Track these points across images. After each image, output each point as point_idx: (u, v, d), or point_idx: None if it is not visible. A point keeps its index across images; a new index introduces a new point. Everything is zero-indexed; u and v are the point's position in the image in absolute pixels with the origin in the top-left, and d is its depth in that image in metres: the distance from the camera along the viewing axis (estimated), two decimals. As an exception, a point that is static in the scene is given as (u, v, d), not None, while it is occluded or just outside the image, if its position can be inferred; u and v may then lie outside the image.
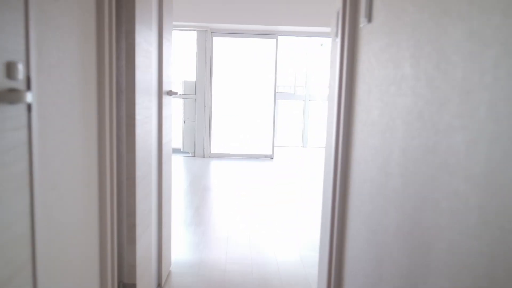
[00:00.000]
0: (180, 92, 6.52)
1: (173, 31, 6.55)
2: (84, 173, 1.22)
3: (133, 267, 1.59)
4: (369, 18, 1.28)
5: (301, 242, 2.94)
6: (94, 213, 1.32)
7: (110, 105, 1.43)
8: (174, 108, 7.26)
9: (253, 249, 2.80)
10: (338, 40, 1.55)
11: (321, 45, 8.02)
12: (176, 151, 6.87)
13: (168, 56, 2.15)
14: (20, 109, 0.82)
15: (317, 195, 4.31)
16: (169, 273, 2.37)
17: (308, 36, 6.41)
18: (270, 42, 6.39)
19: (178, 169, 5.50)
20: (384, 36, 1.15)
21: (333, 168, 1.53)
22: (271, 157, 6.57)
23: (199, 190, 4.35)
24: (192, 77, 6.46)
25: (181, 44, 6.59)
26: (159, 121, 2.04)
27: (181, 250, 2.72)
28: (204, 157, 6.47)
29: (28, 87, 0.85)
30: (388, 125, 1.09)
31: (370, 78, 1.25)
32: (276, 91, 6.53)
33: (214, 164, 5.97)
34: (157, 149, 2.03)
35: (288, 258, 2.66)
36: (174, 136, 7.02)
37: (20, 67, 0.79)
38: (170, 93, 2.19)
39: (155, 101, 1.95)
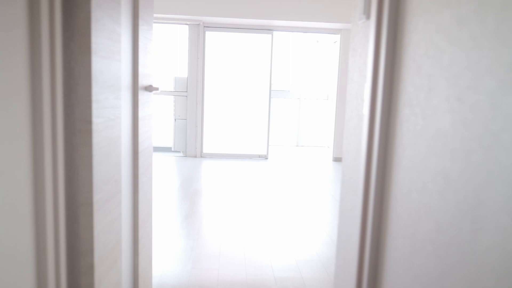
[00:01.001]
0: (171, 89, 6.05)
1: (164, 25, 6.04)
2: (3, 205, 0.77)
3: (90, 323, 1.14)
4: (430, -21, 0.84)
5: (302, 258, 2.50)
6: (26, 261, 0.87)
7: (52, 104, 0.97)
8: (156, 106, 6.78)
9: (249, 268, 2.36)
10: (372, 18, 1.10)
11: (317, 41, 7.59)
12: (166, 149, 6.40)
13: (146, 42, 1.69)
14: None
15: (314, 198, 3.88)
16: (149, 304, 1.93)
17: (304, 32, 5.97)
18: (265, 37, 5.94)
19: (168, 170, 5.04)
20: (464, 1, 0.71)
21: (361, 195, 1.09)
22: (265, 157, 6.13)
23: (189, 195, 3.90)
24: (183, 73, 5.99)
25: (172, 38, 6.11)
26: (133, 123, 1.58)
27: (165, 272, 2.27)
28: (195, 157, 6.01)
29: None
30: (479, 139, 0.65)
31: (432, 67, 0.81)
32: (271, 89, 6.08)
33: (206, 164, 5.52)
34: (131, 159, 1.58)
35: (291, 282, 2.23)
36: (165, 135, 6.55)
37: None
38: (149, 88, 1.74)
39: (127, 98, 1.49)
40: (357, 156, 1.19)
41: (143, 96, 1.65)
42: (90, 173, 1.09)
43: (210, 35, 5.88)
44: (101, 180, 1.16)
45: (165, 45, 6.12)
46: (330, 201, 3.87)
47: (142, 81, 1.64)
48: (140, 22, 1.59)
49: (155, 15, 5.44)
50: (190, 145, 6.00)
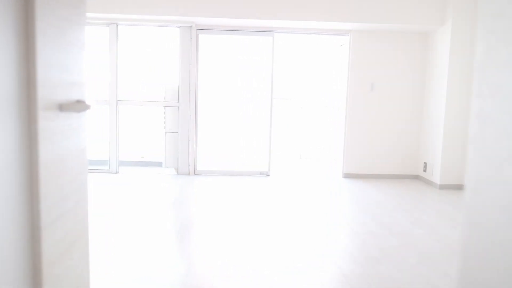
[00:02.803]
0: (161, 99, 5.30)
1: (152, 28, 5.28)
2: None
3: None
4: None
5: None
6: None
7: None
8: (145, 118, 6.01)
9: None
10: None
11: (323, 45, 6.85)
12: (157, 164, 5.64)
13: (64, 26, 0.94)
14: None
15: (325, 225, 3.11)
16: None
17: (309, 34, 5.24)
18: (265, 40, 5.20)
19: (155, 191, 4.27)
20: None
21: None
22: (267, 173, 5.36)
23: (177, 226, 3.13)
24: (174, 81, 5.24)
25: (161, 43, 5.35)
26: (29, 175, 0.83)
27: None
28: (189, 174, 5.24)
29: None
30: None
31: None
32: (273, 98, 5.33)
33: (200, 183, 4.75)
34: (24, 245, 0.82)
35: None
36: (156, 149, 5.79)
37: None
38: (74, 107, 0.99)
39: (3, 129, 0.74)
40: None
41: (54, 121, 0.90)
42: None
43: (203, 39, 5.15)
44: None
45: (153, 51, 5.39)
46: (343, 228, 3.10)
47: (51, 95, 0.89)
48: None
49: (139, 16, 4.70)
50: (182, 161, 5.24)
